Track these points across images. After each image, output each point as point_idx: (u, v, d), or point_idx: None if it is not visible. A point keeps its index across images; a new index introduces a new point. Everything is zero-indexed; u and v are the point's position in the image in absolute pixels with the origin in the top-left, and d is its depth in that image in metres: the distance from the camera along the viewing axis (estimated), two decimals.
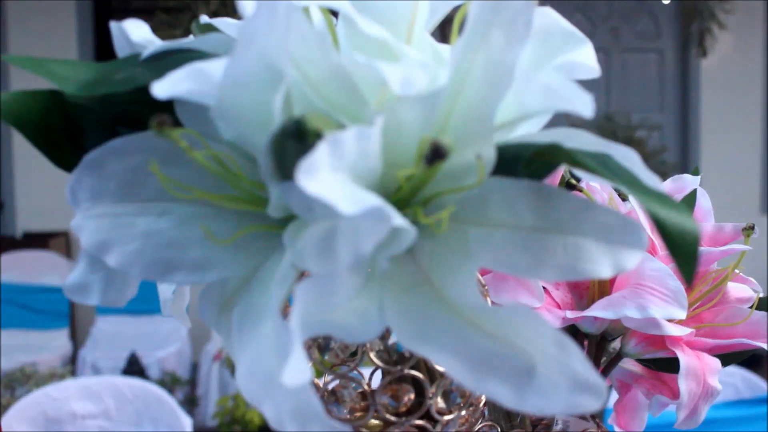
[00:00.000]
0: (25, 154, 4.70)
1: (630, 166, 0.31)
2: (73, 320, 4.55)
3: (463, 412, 0.40)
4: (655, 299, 0.47)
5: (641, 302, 0.47)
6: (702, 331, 0.55)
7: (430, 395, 0.38)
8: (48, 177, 4.69)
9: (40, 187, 4.71)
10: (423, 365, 0.39)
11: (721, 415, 2.03)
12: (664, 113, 5.05)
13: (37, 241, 4.64)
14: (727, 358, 0.56)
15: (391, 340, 0.38)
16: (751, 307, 0.56)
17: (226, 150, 0.33)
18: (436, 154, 0.27)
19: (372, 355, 0.38)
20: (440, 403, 0.39)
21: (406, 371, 0.38)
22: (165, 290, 0.43)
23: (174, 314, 0.44)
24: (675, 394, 0.60)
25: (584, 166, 0.29)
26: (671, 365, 0.55)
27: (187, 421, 1.93)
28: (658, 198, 0.29)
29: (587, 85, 0.29)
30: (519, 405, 0.28)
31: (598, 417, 0.59)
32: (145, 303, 4.23)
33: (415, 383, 0.39)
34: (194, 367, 4.02)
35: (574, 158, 0.30)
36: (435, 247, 0.32)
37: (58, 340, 4.19)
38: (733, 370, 2.13)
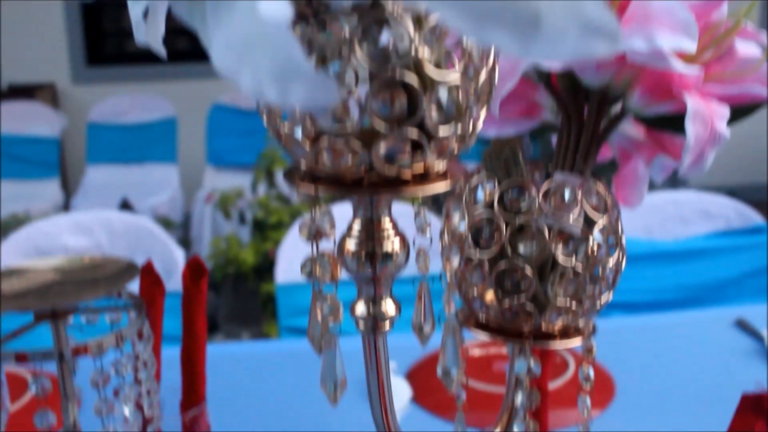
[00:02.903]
0: (7, 7, 4.57)
1: None
2: (64, 170, 4.53)
3: (459, 127, 0.37)
4: (663, 29, 0.44)
5: (648, 33, 0.44)
6: (709, 83, 0.52)
7: (425, 102, 0.35)
8: (32, 29, 4.58)
9: (24, 39, 4.61)
10: (414, 69, 0.36)
11: (713, 245, 2.04)
12: None
13: (24, 93, 4.59)
14: (735, 113, 0.53)
15: (381, 44, 0.35)
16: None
17: None
18: None
19: (358, 54, 0.35)
20: (434, 114, 0.36)
21: (398, 76, 0.35)
22: (137, 13, 0.40)
23: (148, 39, 0.41)
24: (677, 157, 0.58)
25: None
26: (675, 123, 0.53)
27: (179, 254, 1.93)
28: None
29: None
30: (524, 53, 0.25)
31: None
32: (135, 152, 4.22)
33: (408, 93, 0.36)
34: (186, 216, 4.04)
35: None
36: None
37: (50, 190, 4.19)
38: (727, 201, 2.13)
